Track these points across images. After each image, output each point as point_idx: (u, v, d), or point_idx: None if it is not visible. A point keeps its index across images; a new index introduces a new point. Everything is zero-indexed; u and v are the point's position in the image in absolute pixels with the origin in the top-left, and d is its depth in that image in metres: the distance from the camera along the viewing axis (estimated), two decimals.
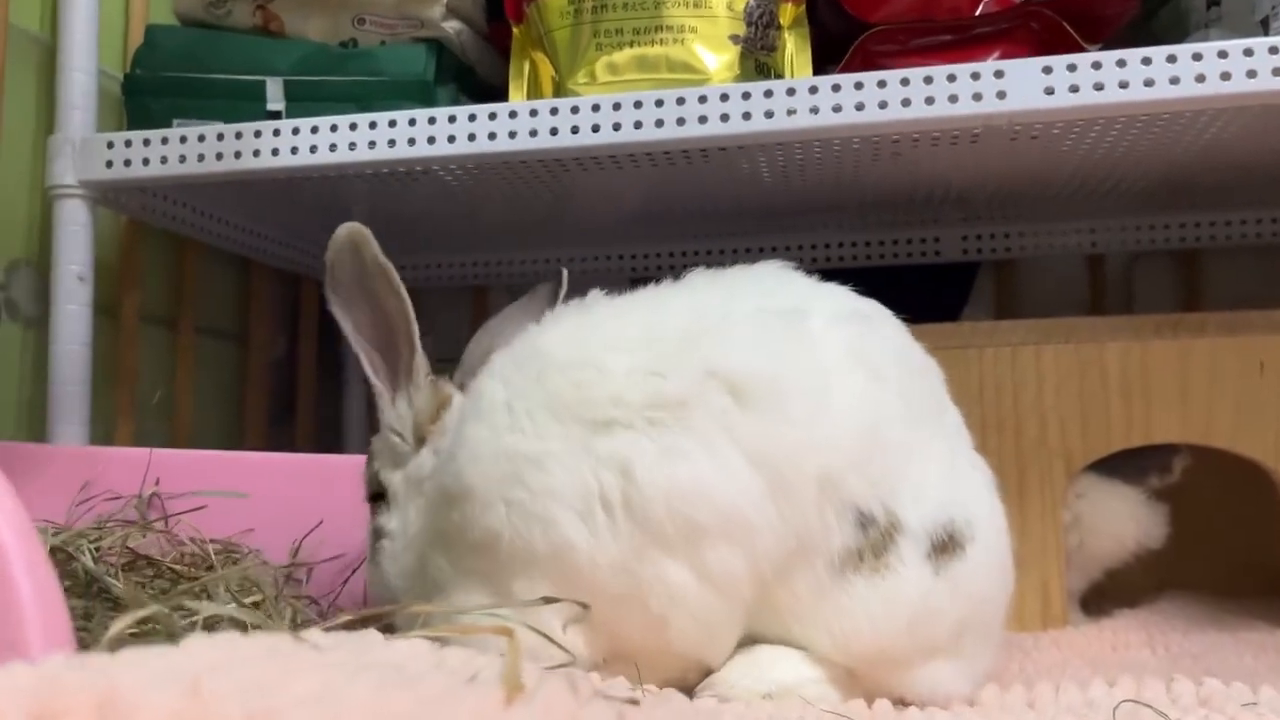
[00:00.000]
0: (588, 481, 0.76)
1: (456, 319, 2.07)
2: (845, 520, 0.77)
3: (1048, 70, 1.13)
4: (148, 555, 0.95)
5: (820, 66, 1.40)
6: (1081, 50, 1.24)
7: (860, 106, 1.17)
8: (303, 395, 1.97)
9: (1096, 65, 1.12)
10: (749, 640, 0.84)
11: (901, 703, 0.84)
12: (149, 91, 1.47)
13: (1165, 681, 0.91)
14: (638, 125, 1.28)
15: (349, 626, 0.76)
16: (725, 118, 1.24)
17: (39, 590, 0.47)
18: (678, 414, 0.76)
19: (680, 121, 1.27)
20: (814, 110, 1.19)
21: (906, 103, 1.16)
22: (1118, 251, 1.89)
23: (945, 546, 0.79)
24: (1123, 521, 1.40)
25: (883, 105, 1.16)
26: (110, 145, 1.36)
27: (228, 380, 1.83)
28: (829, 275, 1.85)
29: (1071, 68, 1.12)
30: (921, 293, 1.91)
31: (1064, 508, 1.38)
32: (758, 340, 0.78)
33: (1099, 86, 1.11)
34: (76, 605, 0.77)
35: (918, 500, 0.79)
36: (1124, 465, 1.39)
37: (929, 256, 1.86)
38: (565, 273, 1.16)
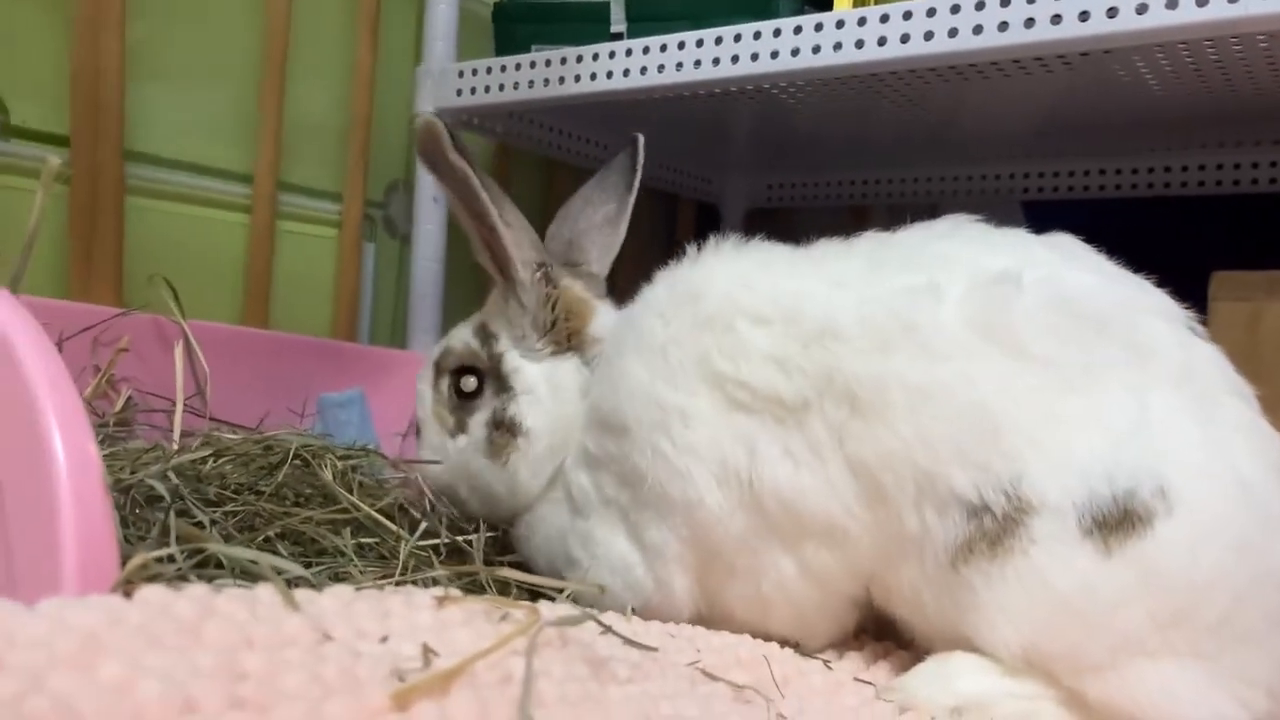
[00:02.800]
0: (725, 448, 0.79)
1: None
2: (949, 515, 0.71)
3: None
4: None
5: None
6: None
7: None
8: None
9: None
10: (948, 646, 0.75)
11: None
12: (513, 19, 1.54)
13: None
14: (977, 30, 1.11)
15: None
16: (1084, 16, 1.04)
17: (82, 525, 0.52)
18: (799, 417, 0.76)
19: (1029, 23, 1.08)
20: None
21: None
22: None
23: (1116, 522, 0.66)
24: None
25: None
26: (461, 74, 1.44)
27: None
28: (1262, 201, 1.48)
29: None
30: None
31: None
32: (876, 339, 0.74)
33: None
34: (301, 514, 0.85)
35: (1062, 470, 0.68)
36: None
37: None
38: (640, 139, 1.08)
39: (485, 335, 0.96)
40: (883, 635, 0.89)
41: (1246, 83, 1.23)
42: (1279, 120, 1.40)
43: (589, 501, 0.88)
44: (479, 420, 0.94)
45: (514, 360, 0.93)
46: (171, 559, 0.66)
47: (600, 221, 1.04)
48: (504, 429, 0.92)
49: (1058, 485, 0.68)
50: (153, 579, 0.58)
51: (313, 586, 0.56)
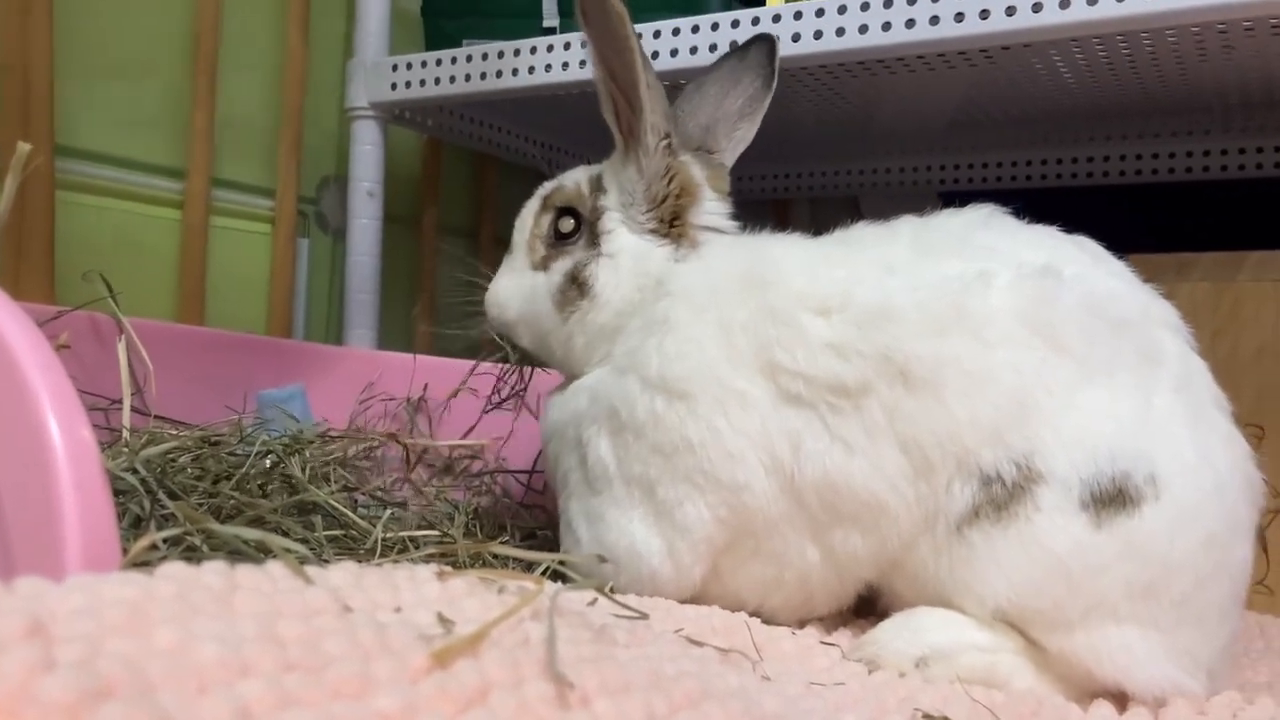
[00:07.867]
0: (773, 435, 0.80)
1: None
2: (968, 486, 0.76)
3: None
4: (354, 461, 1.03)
5: None
6: None
7: None
8: None
9: None
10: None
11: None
12: (443, 13, 1.54)
13: None
14: (909, 24, 1.16)
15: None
16: (985, 14, 1.11)
17: (85, 510, 0.51)
18: (856, 401, 0.78)
19: (959, 17, 1.13)
20: None
21: None
22: None
23: (1110, 499, 0.73)
24: None
25: None
26: (395, 68, 1.44)
27: None
28: (1188, 190, 1.58)
29: None
30: None
31: None
32: (932, 323, 0.77)
33: None
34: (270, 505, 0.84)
35: (1074, 449, 0.74)
36: None
37: None
38: (774, 38, 1.03)
39: (597, 185, 0.94)
40: None
41: (1154, 77, 1.30)
42: (1185, 113, 1.48)
43: (606, 475, 0.86)
44: (560, 266, 0.92)
45: (613, 221, 0.92)
46: (155, 546, 0.66)
47: (734, 114, 1.00)
48: (576, 285, 0.91)
49: (1066, 460, 0.74)
50: (142, 565, 0.58)
51: (316, 564, 0.57)
